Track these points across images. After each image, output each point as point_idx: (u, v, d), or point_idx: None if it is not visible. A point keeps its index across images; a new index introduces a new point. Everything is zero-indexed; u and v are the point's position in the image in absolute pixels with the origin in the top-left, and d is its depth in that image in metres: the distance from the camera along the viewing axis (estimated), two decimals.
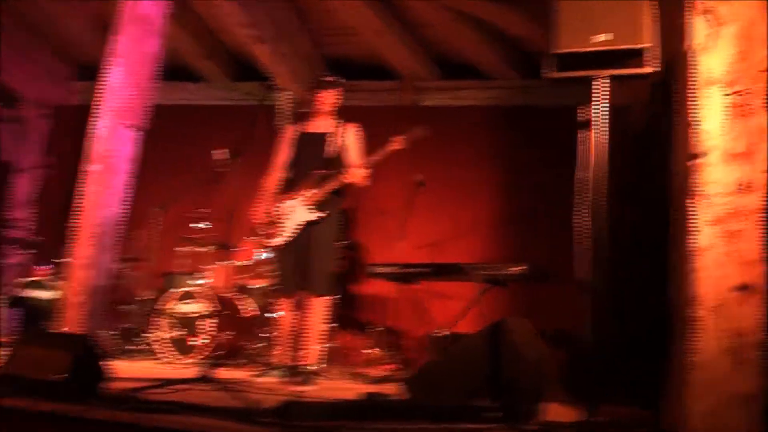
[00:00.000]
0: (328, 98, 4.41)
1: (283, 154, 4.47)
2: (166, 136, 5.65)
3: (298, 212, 4.28)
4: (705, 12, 3.16)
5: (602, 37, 3.50)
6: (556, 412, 3.25)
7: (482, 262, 4.74)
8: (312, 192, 4.26)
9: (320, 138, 4.39)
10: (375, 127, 4.44)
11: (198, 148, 5.91)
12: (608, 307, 3.45)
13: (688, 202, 3.04)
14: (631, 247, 3.75)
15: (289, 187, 4.37)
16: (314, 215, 4.24)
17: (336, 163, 4.32)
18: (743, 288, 2.83)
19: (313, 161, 4.34)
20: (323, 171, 4.28)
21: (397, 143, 4.22)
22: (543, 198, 5.60)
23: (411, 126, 4.31)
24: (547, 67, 3.62)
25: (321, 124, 4.44)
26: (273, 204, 4.37)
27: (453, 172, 5.94)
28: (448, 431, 2.97)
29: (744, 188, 2.94)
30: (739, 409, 2.73)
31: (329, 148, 4.35)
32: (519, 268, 4.28)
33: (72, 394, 2.78)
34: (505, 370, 3.33)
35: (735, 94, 3.06)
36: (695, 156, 3.07)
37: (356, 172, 4.22)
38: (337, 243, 4.39)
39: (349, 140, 4.39)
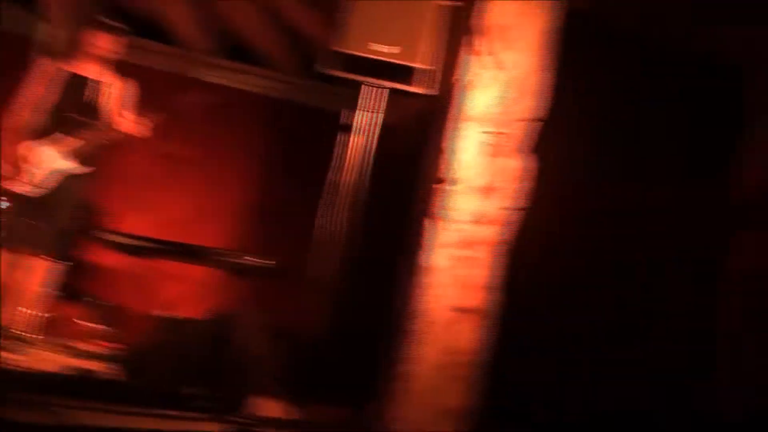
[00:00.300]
0: (105, 43, 4.02)
1: (39, 92, 3.98)
2: None
3: (51, 160, 3.85)
4: (487, 53, 3.33)
5: (384, 48, 3.57)
6: (268, 406, 3.22)
7: (225, 248, 4.60)
8: (71, 141, 3.86)
9: (88, 84, 3.99)
10: (145, 90, 4.17)
11: None
12: (337, 310, 3.50)
13: (426, 222, 3.18)
14: (369, 256, 3.85)
15: (43, 132, 3.91)
16: (70, 166, 3.85)
17: (101, 115, 3.96)
18: (466, 310, 3.00)
19: (76, 107, 3.93)
20: (86, 120, 3.90)
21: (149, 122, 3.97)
22: (295, 195, 5.60)
23: (182, 97, 4.09)
24: (325, 62, 3.62)
25: (91, 70, 4.04)
26: (21, 146, 3.88)
27: (213, 153, 5.74)
28: (156, 417, 2.84)
29: (483, 220, 3.13)
30: (446, 422, 2.88)
31: (96, 97, 3.97)
32: (266, 261, 4.20)
33: None
34: (224, 360, 3.26)
35: (492, 135, 3.26)
36: (441, 181, 3.22)
37: (123, 129, 3.91)
38: (82, 203, 4.03)
39: (120, 94, 4.04)
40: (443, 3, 3.62)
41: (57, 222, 3.89)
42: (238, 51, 6.21)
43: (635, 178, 3.58)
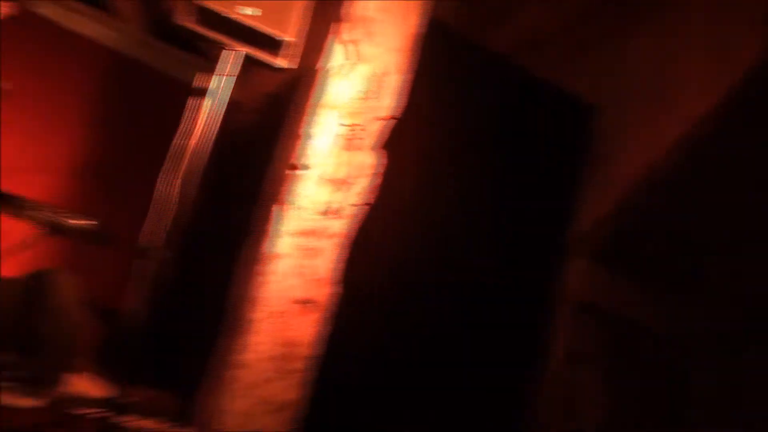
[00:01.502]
0: None
1: None
2: None
3: None
4: (348, 42, 3.31)
5: (249, 11, 3.42)
6: (84, 383, 3.02)
7: (48, 203, 4.24)
8: None
9: None
10: None
11: None
12: (169, 284, 3.34)
13: (275, 207, 3.12)
14: (211, 233, 3.72)
15: None
16: None
17: None
18: (306, 302, 2.97)
19: None
20: None
21: None
22: (132, 157, 5.31)
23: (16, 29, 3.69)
24: (183, 14, 3.42)
25: None
26: None
27: (50, 98, 5.29)
28: None
29: (332, 212, 3.12)
30: (273, 415, 2.84)
31: None
32: (87, 221, 3.90)
33: None
34: (37, 327, 3.01)
35: (350, 127, 3.25)
36: (295, 167, 3.17)
37: None
38: None
39: None
40: None
41: None
42: None
43: (480, 193, 3.70)
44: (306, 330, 2.95)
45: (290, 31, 3.36)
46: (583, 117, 4.04)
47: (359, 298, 3.05)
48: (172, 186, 3.39)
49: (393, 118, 3.35)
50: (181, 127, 3.56)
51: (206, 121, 3.44)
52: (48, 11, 5.54)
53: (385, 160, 3.28)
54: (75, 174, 5.27)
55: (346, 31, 3.33)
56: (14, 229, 4.28)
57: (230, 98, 3.52)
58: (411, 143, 3.44)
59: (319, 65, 3.35)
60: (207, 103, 3.46)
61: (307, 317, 2.97)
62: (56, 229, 4.01)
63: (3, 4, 3.68)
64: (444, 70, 3.72)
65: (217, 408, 2.83)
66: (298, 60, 3.41)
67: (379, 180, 3.24)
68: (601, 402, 4.01)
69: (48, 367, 2.91)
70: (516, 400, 3.63)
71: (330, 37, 3.36)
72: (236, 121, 3.76)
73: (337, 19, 3.36)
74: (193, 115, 3.52)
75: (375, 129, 3.30)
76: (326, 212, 3.11)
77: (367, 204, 3.20)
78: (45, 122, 5.25)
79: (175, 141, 3.55)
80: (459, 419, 3.35)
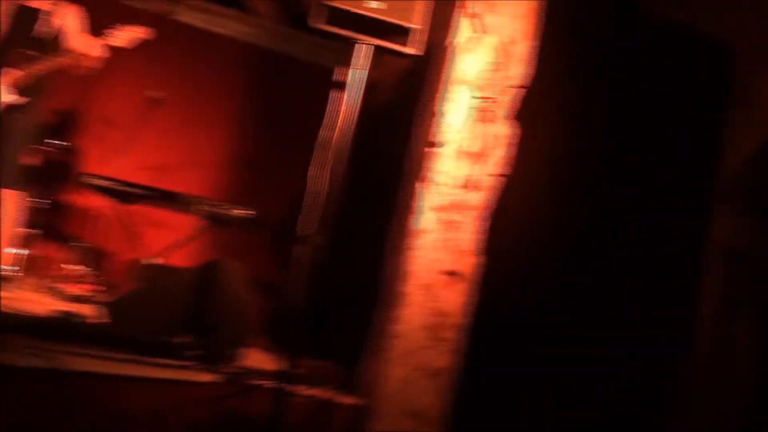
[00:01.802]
0: None
1: None
2: None
3: None
4: (472, 16, 3.36)
5: (374, 4, 3.56)
6: (256, 358, 3.30)
7: (209, 197, 4.62)
8: (14, 72, 3.81)
9: (32, 12, 3.93)
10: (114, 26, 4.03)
11: None
12: (325, 266, 3.57)
13: (417, 185, 3.24)
14: (359, 215, 3.92)
15: None
16: (12, 98, 3.81)
17: (47, 45, 3.90)
18: (452, 274, 3.10)
19: (20, 37, 3.88)
20: (33, 53, 3.84)
21: (116, 39, 3.89)
22: (282, 148, 5.61)
23: (165, 39, 4.02)
24: (316, 16, 3.62)
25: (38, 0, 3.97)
26: None
27: (195, 99, 5.69)
28: (144, 364, 2.89)
29: (471, 185, 3.22)
30: (429, 380, 3.01)
31: (41, 27, 3.91)
32: (246, 212, 4.23)
33: None
34: (211, 310, 3.30)
35: (482, 99, 3.31)
36: (432, 144, 3.28)
37: (70, 57, 3.85)
38: (34, 136, 4.01)
39: (68, 22, 3.97)
40: None
41: (6, 151, 3.85)
42: None
43: (620, 150, 3.66)
44: (454, 300, 3.08)
45: (415, 18, 3.47)
46: (721, 59, 3.88)
47: (503, 267, 3.14)
48: (321, 175, 3.60)
49: (523, 86, 3.38)
50: (325, 119, 3.76)
51: (346, 111, 3.62)
52: (188, 17, 5.94)
53: (518, 130, 3.33)
54: (228, 167, 5.65)
55: (469, 5, 3.38)
56: (182, 223, 4.70)
57: (366, 87, 3.66)
58: (545, 109, 3.46)
59: (447, 42, 3.43)
60: (346, 96, 3.62)
61: (454, 288, 3.09)
62: (218, 221, 4.37)
63: (135, 29, 3.98)
64: (573, 27, 3.69)
65: (377, 375, 3.03)
66: (425, 46, 3.51)
67: (513, 150, 3.30)
68: (754, 358, 3.88)
69: (223, 345, 3.21)
70: (668, 361, 3.60)
71: (455, 12, 3.43)
72: (374, 104, 3.91)
73: None
74: (335, 107, 3.71)
75: (506, 99, 3.34)
76: (465, 186, 3.21)
77: (503, 175, 3.27)
78: (196, 121, 5.65)
79: (320, 132, 3.76)
80: (609, 382, 3.37)
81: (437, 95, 3.35)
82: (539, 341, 3.17)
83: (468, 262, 3.12)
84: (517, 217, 3.24)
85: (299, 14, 5.66)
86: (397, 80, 4.17)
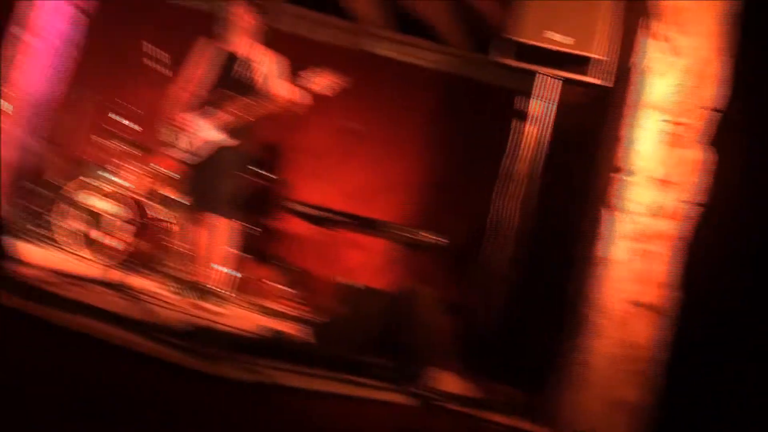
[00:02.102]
0: (245, 17, 4.32)
1: (200, 69, 4.38)
2: (111, 25, 5.45)
3: (206, 132, 4.24)
4: (663, 39, 3.27)
5: (558, 38, 3.60)
6: (447, 381, 3.42)
7: (403, 223, 4.84)
8: (223, 114, 4.22)
9: (239, 60, 4.32)
10: (316, 63, 4.32)
11: (140, 41, 5.68)
12: (512, 290, 3.63)
13: (604, 211, 3.20)
14: (544, 239, 3.94)
15: (203, 105, 4.30)
16: (221, 138, 4.22)
17: (252, 90, 4.27)
18: (643, 305, 3.03)
19: (229, 83, 4.28)
20: (237, 95, 4.23)
21: (315, 85, 4.17)
22: (468, 174, 5.74)
23: (357, 71, 4.29)
24: (500, 50, 3.71)
25: (243, 45, 4.37)
26: (184, 118, 4.30)
27: (389, 128, 5.98)
28: (343, 382, 3.07)
29: (664, 214, 3.13)
30: (622, 416, 2.95)
31: (248, 73, 4.29)
32: (439, 238, 4.40)
33: None
34: (406, 333, 3.47)
35: (674, 124, 3.22)
36: (619, 170, 3.23)
37: (279, 100, 4.19)
38: (242, 168, 4.40)
39: (270, 68, 4.32)
40: None
41: (219, 185, 4.25)
42: (410, 25, 6.36)
43: None
44: (646, 333, 3.00)
45: (600, 49, 3.48)
46: None
47: (702, 303, 3.00)
48: (509, 201, 3.68)
49: (718, 109, 3.25)
50: (509, 149, 3.83)
51: (530, 142, 3.69)
52: (382, 50, 6.25)
53: (713, 156, 3.21)
54: (418, 192, 5.87)
55: (656, 26, 3.30)
56: (378, 246, 4.97)
57: (549, 119, 3.69)
58: (742, 132, 3.30)
59: (633, 66, 3.38)
60: (529, 126, 3.67)
61: (645, 320, 3.02)
62: (410, 246, 4.57)
63: (332, 77, 4.23)
64: None
65: (563, 405, 3.03)
66: (611, 75, 3.48)
67: (710, 178, 3.17)
68: None
69: (417, 368, 3.36)
70: None
71: (640, 34, 3.37)
72: (556, 131, 3.92)
73: (647, 16, 3.35)
74: (518, 137, 3.78)
75: (700, 123, 3.22)
76: (656, 214, 3.13)
77: (699, 204, 3.15)
78: (390, 149, 5.93)
79: (506, 159, 3.84)
80: None
81: (624, 120, 3.31)
82: (740, 381, 3.01)
83: (662, 294, 3.03)
84: (714, 249, 3.11)
85: (486, 40, 5.77)
86: (581, 106, 4.15)
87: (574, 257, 3.35)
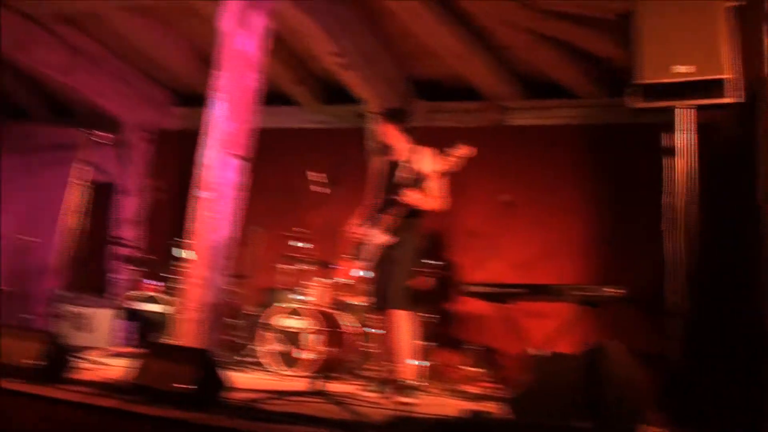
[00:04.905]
0: (389, 129, 4.66)
1: (373, 182, 4.75)
2: (263, 158, 6.01)
3: (375, 236, 4.54)
4: None
5: (683, 69, 3.60)
6: None
7: (576, 283, 4.84)
8: (385, 217, 4.50)
9: (396, 165, 4.64)
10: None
11: (294, 169, 6.22)
12: (699, 331, 3.51)
13: None
14: (720, 270, 3.80)
15: (376, 213, 4.63)
16: (386, 239, 4.49)
17: (410, 188, 4.52)
18: None
19: (390, 188, 4.60)
20: (393, 197, 4.51)
21: (459, 152, 4.35)
22: (628, 219, 5.66)
23: (497, 145, 4.40)
24: (632, 96, 3.75)
25: (397, 151, 4.70)
26: (361, 228, 4.65)
27: (541, 192, 6.05)
28: None
29: None
30: None
31: (403, 174, 4.56)
32: (616, 290, 4.36)
33: (198, 403, 3.04)
34: (603, 392, 3.42)
35: None
36: None
37: (414, 196, 4.42)
38: (412, 263, 4.62)
39: (424, 164, 4.57)
40: (730, 4, 3.57)
41: (391, 280, 4.47)
42: (539, 88, 6.49)
43: None
44: None
45: (726, 69, 3.44)
46: None
47: None
48: (676, 241, 3.61)
49: None
50: (664, 185, 3.79)
51: (681, 175, 3.63)
52: (519, 119, 6.41)
53: None
54: (584, 248, 5.83)
55: None
56: (558, 311, 4.97)
57: (694, 148, 3.63)
58: None
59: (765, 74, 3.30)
60: (679, 160, 3.64)
61: None
62: (591, 303, 4.55)
63: (462, 150, 4.41)
64: None
65: None
66: (741, 91, 3.42)
67: None
68: None
69: (621, 425, 3.30)
70: None
71: (765, 42, 3.31)
72: (707, 154, 3.83)
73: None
74: (671, 172, 3.75)
75: None
76: None
77: None
78: (546, 212, 5.98)
79: (663, 198, 3.79)
80: None
81: None
82: None
83: None
84: None
85: (613, 81, 5.76)
86: (724, 127, 4.06)
87: (751, 286, 3.21)
